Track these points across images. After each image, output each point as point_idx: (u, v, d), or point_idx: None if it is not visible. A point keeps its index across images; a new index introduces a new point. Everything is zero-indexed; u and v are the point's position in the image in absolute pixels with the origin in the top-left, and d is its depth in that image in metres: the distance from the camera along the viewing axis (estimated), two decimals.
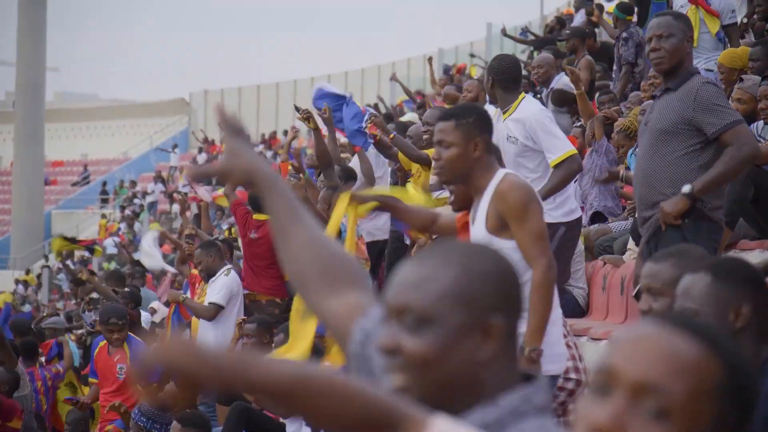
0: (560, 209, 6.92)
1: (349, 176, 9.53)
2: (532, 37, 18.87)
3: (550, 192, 6.58)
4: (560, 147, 6.72)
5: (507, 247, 4.55)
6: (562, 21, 18.11)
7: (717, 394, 1.70)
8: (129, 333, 9.28)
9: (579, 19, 16.74)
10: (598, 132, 9.49)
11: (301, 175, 9.50)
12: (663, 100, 5.55)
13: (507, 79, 7.01)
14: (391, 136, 9.10)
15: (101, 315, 9.42)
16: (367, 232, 9.88)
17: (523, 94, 7.04)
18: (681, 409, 1.68)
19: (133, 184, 41.76)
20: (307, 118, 9.42)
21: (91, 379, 9.59)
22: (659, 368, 1.70)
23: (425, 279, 1.97)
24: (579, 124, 10.71)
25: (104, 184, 44.47)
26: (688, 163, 5.39)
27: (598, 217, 9.47)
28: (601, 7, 15.77)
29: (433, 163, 4.78)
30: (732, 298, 3.17)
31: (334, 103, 10.07)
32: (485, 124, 4.69)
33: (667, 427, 1.68)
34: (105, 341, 9.23)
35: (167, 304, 11.04)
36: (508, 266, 2.00)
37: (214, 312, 9.47)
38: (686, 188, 5.26)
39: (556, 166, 6.69)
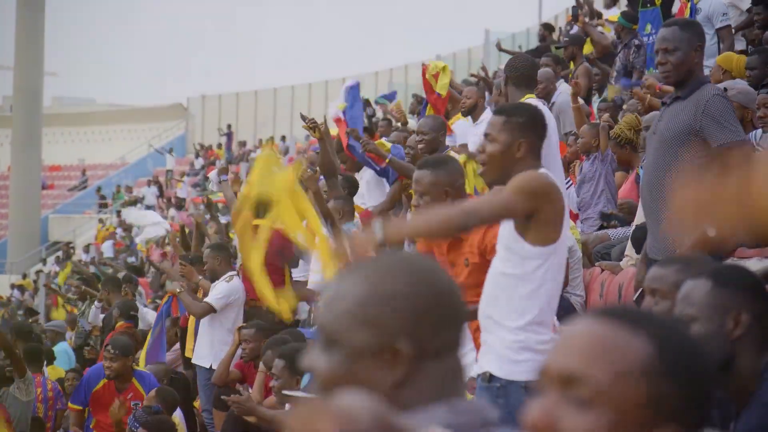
0: None
1: (352, 186, 9.54)
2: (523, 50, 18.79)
3: None
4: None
5: (524, 251, 4.49)
6: (550, 27, 18.08)
7: (644, 373, 1.64)
8: (135, 368, 9.20)
9: (577, 26, 16.77)
10: (603, 142, 9.47)
11: (317, 167, 9.44)
12: (672, 109, 5.54)
13: (520, 77, 7.06)
14: (387, 160, 9.12)
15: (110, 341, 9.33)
16: None
17: (531, 95, 7.06)
18: (606, 393, 1.63)
19: (129, 189, 41.73)
20: (312, 127, 9.36)
21: (72, 405, 9.24)
22: (581, 357, 1.65)
23: (335, 298, 1.90)
24: (572, 131, 10.73)
25: (99, 189, 44.44)
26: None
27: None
28: (599, 15, 15.82)
29: (478, 155, 4.73)
30: (731, 305, 3.17)
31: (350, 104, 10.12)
32: (535, 127, 4.59)
33: (595, 414, 1.63)
34: (103, 382, 9.05)
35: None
36: (425, 283, 1.89)
37: (205, 310, 9.48)
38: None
39: None
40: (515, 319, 4.50)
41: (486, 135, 4.61)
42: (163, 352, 10.39)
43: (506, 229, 4.57)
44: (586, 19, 13.63)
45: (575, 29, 16.36)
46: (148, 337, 10.33)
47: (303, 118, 9.80)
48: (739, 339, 3.16)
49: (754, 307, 3.19)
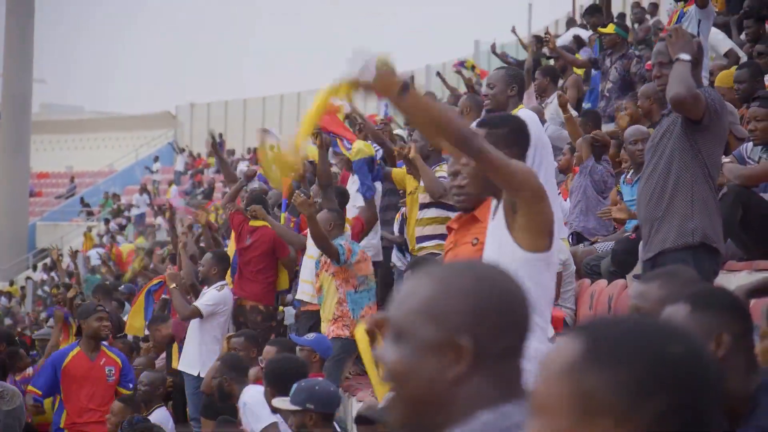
0: None
1: (343, 197, 9.55)
2: (513, 61, 18.74)
3: None
4: None
5: (517, 256, 4.45)
6: (540, 38, 18.09)
7: (574, 370, 1.61)
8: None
9: (567, 37, 16.79)
10: (585, 152, 9.53)
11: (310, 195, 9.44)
12: (668, 120, 5.58)
13: (523, 87, 7.11)
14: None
15: (90, 306, 9.27)
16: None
17: (521, 105, 7.07)
18: (546, 399, 1.64)
19: (117, 197, 41.67)
20: (314, 134, 9.33)
21: (32, 388, 9.01)
22: (540, 374, 1.68)
23: (406, 294, 2.02)
24: (568, 142, 10.75)
25: (82, 199, 44.32)
26: (689, 184, 5.40)
27: (578, 238, 9.48)
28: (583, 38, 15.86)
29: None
30: (712, 327, 3.16)
31: None
32: (518, 138, 4.55)
33: (542, 421, 1.64)
34: (76, 350, 9.03)
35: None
36: (490, 286, 1.99)
37: (191, 313, 9.51)
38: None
39: None
40: None
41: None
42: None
43: (494, 242, 4.55)
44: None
45: (564, 40, 16.38)
46: (141, 307, 10.33)
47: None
48: (724, 360, 3.16)
49: (734, 327, 3.19)
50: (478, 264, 2.08)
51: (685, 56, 5.36)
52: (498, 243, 4.46)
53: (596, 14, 15.13)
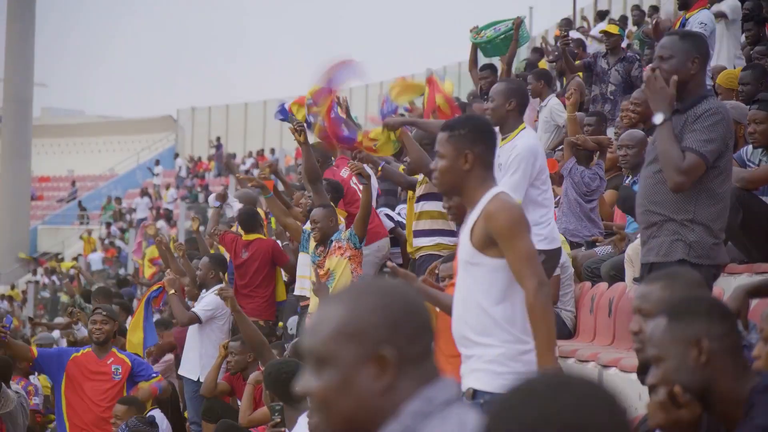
0: (541, 236, 6.90)
1: (336, 191, 9.48)
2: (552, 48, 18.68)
3: None
4: (511, 189, 6.53)
5: (490, 264, 4.51)
6: (540, 51, 18.06)
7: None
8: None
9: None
10: (566, 153, 9.55)
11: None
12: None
13: (524, 102, 7.04)
14: (380, 168, 9.12)
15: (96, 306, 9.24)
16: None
17: (523, 124, 7.01)
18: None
19: (118, 200, 41.68)
20: (299, 130, 9.28)
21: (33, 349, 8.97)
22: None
23: (320, 321, 2.11)
24: (561, 147, 10.75)
25: (80, 203, 44.31)
26: (688, 192, 5.31)
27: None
28: (582, 41, 15.85)
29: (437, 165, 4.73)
30: (689, 335, 3.16)
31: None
32: (480, 137, 4.59)
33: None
34: (88, 349, 8.94)
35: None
36: (395, 298, 2.10)
37: (190, 319, 9.49)
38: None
39: None
40: (492, 334, 4.50)
41: (436, 152, 4.64)
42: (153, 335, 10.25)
43: (465, 247, 4.59)
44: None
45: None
46: (140, 321, 10.19)
47: (292, 121, 9.75)
48: (708, 364, 3.15)
49: (713, 330, 3.17)
50: (376, 282, 2.18)
51: (659, 118, 5.27)
52: (467, 258, 4.59)
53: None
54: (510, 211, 4.50)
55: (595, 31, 17.20)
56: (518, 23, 12.27)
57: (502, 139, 6.85)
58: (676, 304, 3.29)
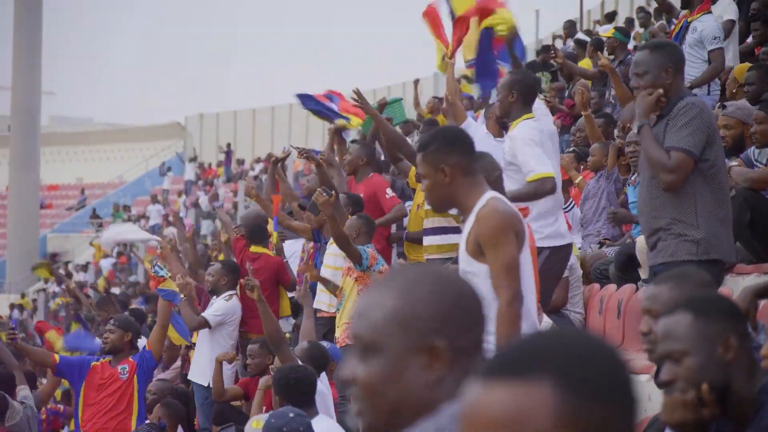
0: (546, 232, 6.92)
1: (356, 204, 9.51)
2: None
3: (512, 197, 6.02)
4: (535, 167, 6.71)
5: (484, 272, 4.50)
6: (548, 48, 18.04)
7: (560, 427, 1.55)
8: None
9: (570, 43, 16.78)
10: (611, 160, 9.48)
11: (333, 192, 9.43)
12: (662, 123, 5.57)
13: (528, 93, 7.05)
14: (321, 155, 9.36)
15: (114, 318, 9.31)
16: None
17: (531, 114, 7.04)
18: None
19: (127, 208, 41.72)
20: (306, 157, 9.41)
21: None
22: None
23: (369, 307, 2.03)
24: (572, 149, 10.75)
25: (93, 210, 44.42)
26: (690, 194, 5.37)
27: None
28: (587, 43, 15.83)
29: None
30: (719, 332, 3.16)
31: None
32: (451, 148, 4.55)
33: None
34: (108, 358, 8.97)
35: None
36: (448, 288, 2.03)
37: (199, 324, 9.48)
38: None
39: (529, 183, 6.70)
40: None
41: (419, 174, 4.70)
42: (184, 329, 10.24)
43: (461, 255, 4.61)
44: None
45: (570, 46, 16.38)
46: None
47: (297, 148, 9.88)
48: (732, 362, 3.16)
49: (737, 328, 3.19)
50: (429, 269, 2.10)
51: (635, 125, 5.41)
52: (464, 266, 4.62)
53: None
54: (495, 217, 4.49)
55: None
56: (383, 103, 12.56)
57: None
58: (699, 300, 3.28)
